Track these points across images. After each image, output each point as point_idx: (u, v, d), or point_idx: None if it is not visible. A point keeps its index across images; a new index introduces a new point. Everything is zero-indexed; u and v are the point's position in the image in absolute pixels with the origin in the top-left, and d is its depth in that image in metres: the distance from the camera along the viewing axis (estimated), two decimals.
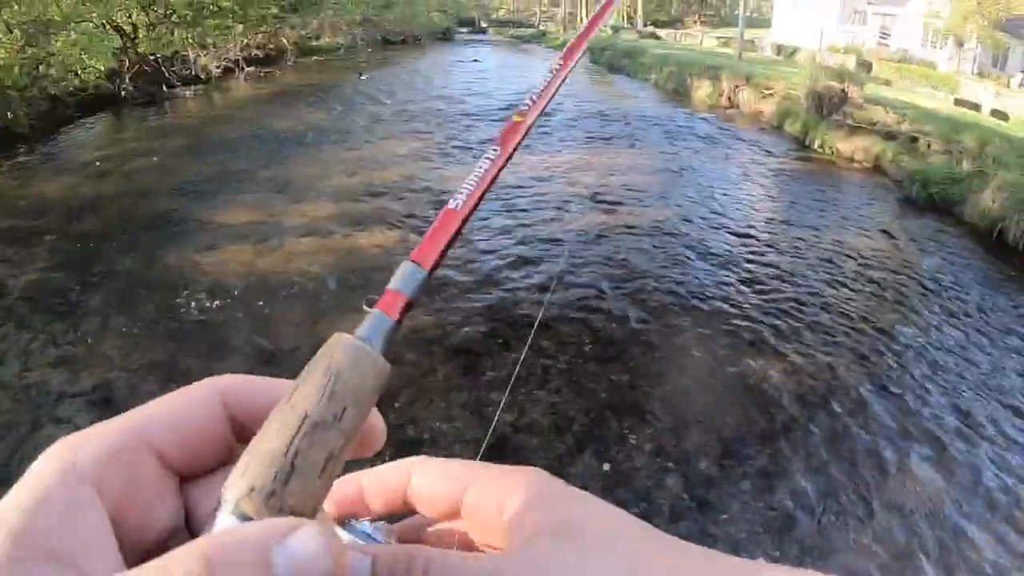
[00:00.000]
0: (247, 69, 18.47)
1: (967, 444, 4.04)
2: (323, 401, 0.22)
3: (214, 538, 0.18)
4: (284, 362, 4.44)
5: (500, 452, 3.67)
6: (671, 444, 3.88)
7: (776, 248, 6.95)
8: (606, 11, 0.39)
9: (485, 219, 7.20)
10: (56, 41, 11.73)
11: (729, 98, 15.13)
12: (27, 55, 11.31)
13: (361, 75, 18.42)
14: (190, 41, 16.33)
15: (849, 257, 6.84)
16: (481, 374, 4.42)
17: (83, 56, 12.04)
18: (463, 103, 14.42)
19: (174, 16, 15.89)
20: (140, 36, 15.14)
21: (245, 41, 18.93)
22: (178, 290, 5.51)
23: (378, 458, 0.30)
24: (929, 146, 10.08)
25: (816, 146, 11.52)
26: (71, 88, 12.33)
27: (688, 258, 6.53)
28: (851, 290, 6.05)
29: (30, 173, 9.14)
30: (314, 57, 22.81)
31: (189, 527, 0.23)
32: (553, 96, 0.32)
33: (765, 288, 5.94)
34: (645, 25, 37.09)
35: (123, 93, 13.80)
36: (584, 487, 0.27)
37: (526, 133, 0.31)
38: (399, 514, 0.31)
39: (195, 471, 0.24)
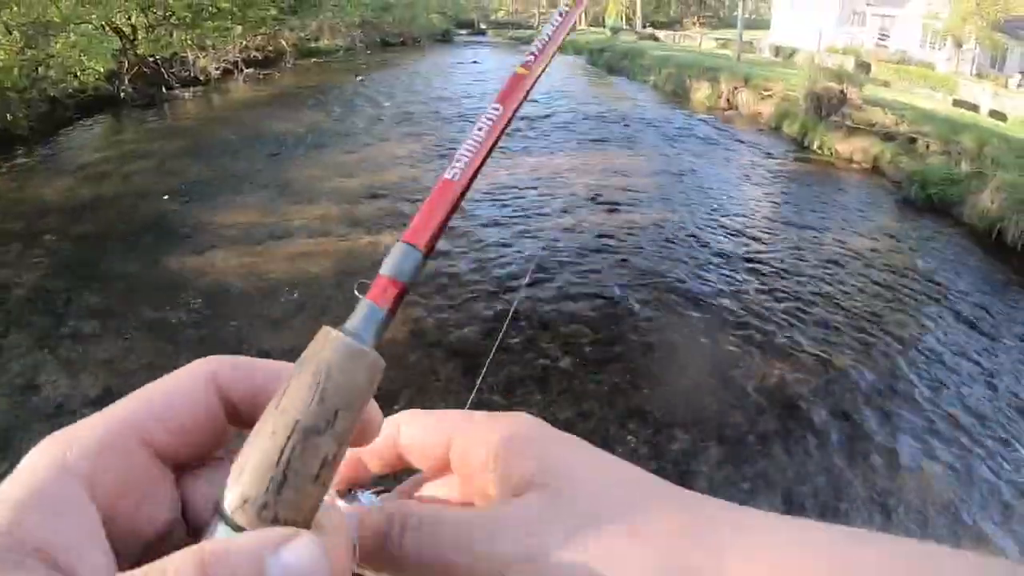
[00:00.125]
0: (246, 71, 18.48)
1: (966, 444, 4.05)
2: (313, 406, 0.21)
3: (209, 545, 0.18)
4: None
5: None
6: (671, 445, 3.88)
7: (774, 249, 6.95)
8: None
9: (484, 222, 7.21)
10: (55, 43, 11.75)
11: (728, 99, 15.13)
12: (26, 57, 11.33)
13: (358, 76, 18.41)
14: (189, 43, 16.35)
15: (848, 258, 6.84)
16: (474, 374, 4.42)
17: (82, 58, 12.07)
18: (463, 105, 14.43)
19: (173, 18, 15.92)
20: (139, 38, 15.15)
21: (244, 43, 18.95)
22: (177, 291, 5.50)
23: None
24: (928, 147, 10.09)
25: (815, 147, 11.52)
26: (70, 90, 12.34)
27: (687, 259, 6.53)
28: (849, 291, 6.06)
29: (29, 175, 9.15)
30: (313, 59, 22.80)
31: (186, 517, 0.23)
32: (561, 43, 0.29)
33: (762, 288, 5.94)
34: (644, 27, 37.14)
35: (122, 95, 13.80)
36: None
37: (531, 88, 0.27)
38: (399, 471, 0.31)
39: (188, 458, 0.23)
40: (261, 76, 18.73)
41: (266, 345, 4.75)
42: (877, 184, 9.85)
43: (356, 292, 0.23)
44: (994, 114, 14.14)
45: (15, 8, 11.25)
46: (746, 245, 7.01)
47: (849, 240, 7.35)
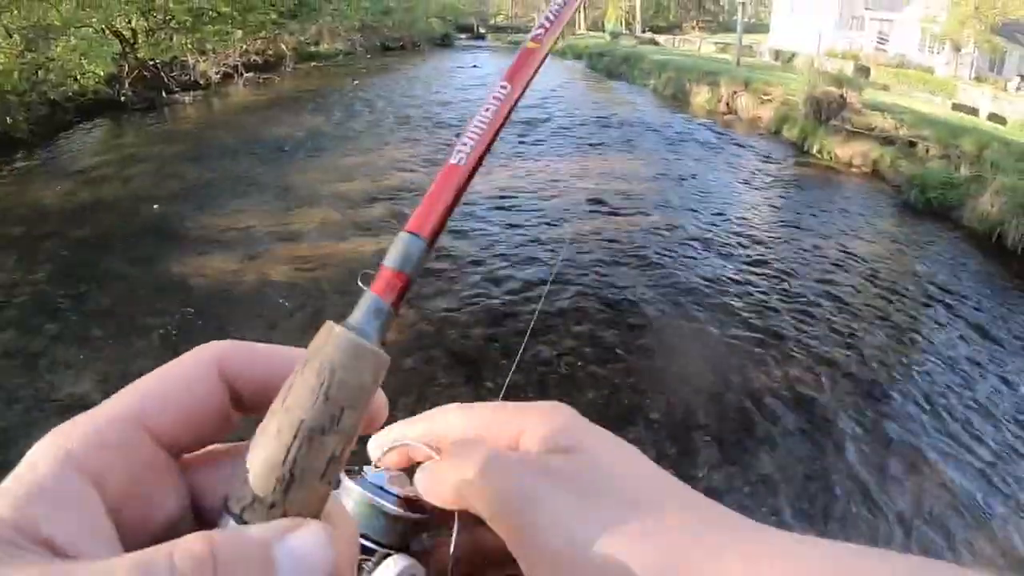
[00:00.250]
0: (246, 75, 18.48)
1: (965, 443, 4.04)
2: (318, 404, 0.20)
3: (218, 531, 0.19)
4: None
5: None
6: (671, 446, 3.87)
7: (774, 253, 6.95)
8: None
9: (481, 226, 7.21)
10: (56, 46, 11.76)
11: (727, 104, 15.15)
12: (26, 60, 11.33)
13: (354, 80, 18.42)
14: (189, 47, 16.36)
15: (848, 262, 6.84)
16: (480, 379, 4.42)
17: (82, 61, 12.06)
18: (463, 108, 14.45)
19: (173, 22, 15.94)
20: (139, 41, 15.16)
21: (244, 47, 18.97)
22: (178, 294, 5.50)
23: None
24: (927, 151, 10.10)
25: (814, 151, 11.54)
26: (70, 93, 12.32)
27: (686, 262, 6.53)
28: (849, 294, 6.05)
29: (29, 178, 9.14)
30: (313, 63, 22.82)
31: (194, 509, 0.23)
32: (574, 13, 0.27)
33: (763, 292, 5.94)
34: (644, 31, 37.22)
35: (122, 98, 13.79)
36: None
37: (540, 64, 0.26)
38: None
39: (194, 447, 0.23)
40: (261, 80, 18.74)
41: None
42: (877, 188, 9.86)
43: (360, 283, 0.23)
44: (993, 117, 14.16)
45: (15, 11, 11.27)
46: (745, 248, 7.01)
47: (849, 244, 7.35)
